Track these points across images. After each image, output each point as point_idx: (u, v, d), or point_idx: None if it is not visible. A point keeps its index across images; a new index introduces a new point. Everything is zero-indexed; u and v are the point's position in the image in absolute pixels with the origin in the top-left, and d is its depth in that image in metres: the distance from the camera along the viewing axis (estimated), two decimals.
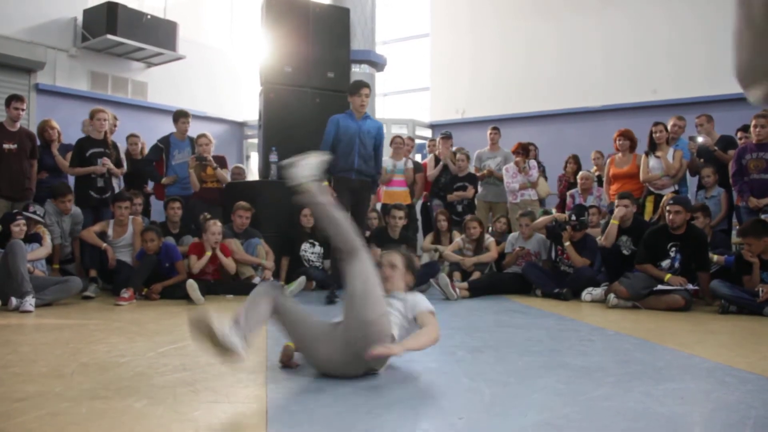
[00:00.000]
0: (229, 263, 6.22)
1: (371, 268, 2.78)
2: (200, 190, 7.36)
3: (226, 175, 7.64)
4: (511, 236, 7.07)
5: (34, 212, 5.84)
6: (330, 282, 6.06)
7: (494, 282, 6.64)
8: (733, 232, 6.80)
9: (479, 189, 8.38)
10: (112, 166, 6.84)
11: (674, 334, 4.27)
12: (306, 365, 2.94)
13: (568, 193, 7.94)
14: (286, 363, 2.97)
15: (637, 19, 10.75)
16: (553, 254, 6.65)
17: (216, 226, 6.16)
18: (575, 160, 8.46)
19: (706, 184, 6.89)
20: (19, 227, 5.49)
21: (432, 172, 8.43)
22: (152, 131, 9.37)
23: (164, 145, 7.62)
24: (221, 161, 7.62)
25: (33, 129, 7.57)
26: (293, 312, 2.88)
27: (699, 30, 10.11)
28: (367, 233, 7.32)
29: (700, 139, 7.25)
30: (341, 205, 5.87)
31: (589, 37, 11.24)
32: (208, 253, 6.12)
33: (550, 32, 11.68)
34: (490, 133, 8.61)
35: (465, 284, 6.35)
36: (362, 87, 5.98)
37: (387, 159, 8.37)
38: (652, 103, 10.25)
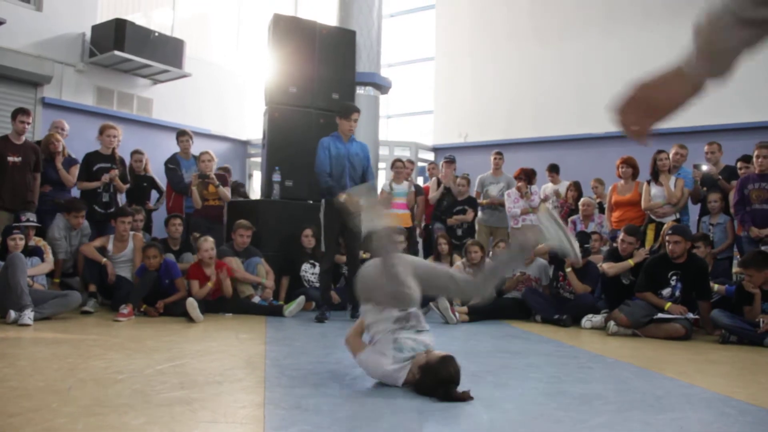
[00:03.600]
0: (227, 287, 6.21)
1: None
2: (202, 208, 7.37)
3: (228, 193, 7.66)
4: None
5: (27, 219, 5.85)
6: (322, 302, 6.08)
7: (494, 307, 6.60)
8: (734, 262, 6.79)
9: (480, 213, 8.40)
10: (117, 180, 6.89)
11: (674, 363, 4.25)
12: (307, 386, 2.93)
13: (569, 220, 7.94)
14: None
15: (639, 45, 10.82)
16: (553, 280, 6.64)
17: (207, 242, 6.16)
18: (576, 186, 8.47)
19: (712, 210, 6.85)
20: (14, 241, 5.47)
21: (433, 195, 8.45)
22: (156, 148, 9.41)
23: (174, 165, 7.66)
24: (223, 179, 7.63)
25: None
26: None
27: None
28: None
29: (704, 168, 7.28)
30: (333, 228, 5.97)
31: (591, 63, 11.31)
32: (210, 284, 6.10)
33: (553, 58, 11.76)
34: (494, 158, 8.65)
35: (465, 308, 6.32)
36: (353, 112, 6.07)
37: (388, 182, 8.40)
38: (654, 132, 10.27)
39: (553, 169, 8.81)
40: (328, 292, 6.22)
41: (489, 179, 8.61)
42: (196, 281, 6.10)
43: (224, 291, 6.19)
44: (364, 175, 6.21)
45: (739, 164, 6.93)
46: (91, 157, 6.92)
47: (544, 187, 8.63)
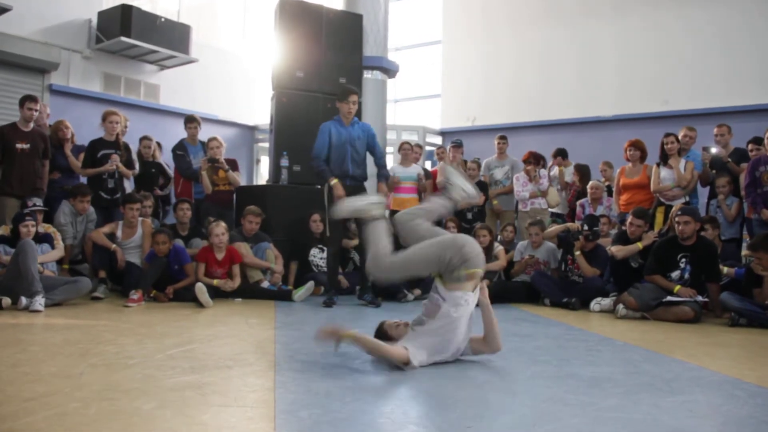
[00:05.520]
0: (236, 275, 6.24)
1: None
2: (212, 193, 7.39)
3: (238, 178, 7.66)
4: (520, 245, 7.05)
5: (34, 204, 5.88)
6: (329, 286, 6.10)
7: (503, 290, 6.61)
8: (744, 244, 6.76)
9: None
10: (121, 165, 6.91)
11: (683, 346, 4.24)
12: (313, 370, 2.94)
13: (578, 203, 7.92)
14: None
15: (647, 28, 10.73)
16: (562, 264, 6.63)
17: (219, 227, 6.16)
18: (579, 169, 8.41)
19: (721, 194, 6.81)
20: (27, 228, 5.50)
21: (441, 179, 8.41)
22: (164, 134, 9.42)
23: (182, 151, 7.66)
24: (233, 164, 7.64)
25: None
26: None
27: (714, 41, 10.07)
28: None
29: (713, 150, 7.24)
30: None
31: (602, 47, 11.23)
32: (215, 282, 6.07)
33: (562, 41, 11.68)
34: (497, 143, 8.61)
35: None
36: (350, 94, 6.07)
37: (396, 166, 8.36)
38: (663, 114, 10.22)
39: (559, 154, 8.74)
40: (335, 276, 6.23)
41: (494, 163, 8.57)
42: (203, 264, 6.13)
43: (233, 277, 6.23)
44: (373, 157, 6.22)
45: (750, 146, 6.88)
46: (96, 144, 6.94)
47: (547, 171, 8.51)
